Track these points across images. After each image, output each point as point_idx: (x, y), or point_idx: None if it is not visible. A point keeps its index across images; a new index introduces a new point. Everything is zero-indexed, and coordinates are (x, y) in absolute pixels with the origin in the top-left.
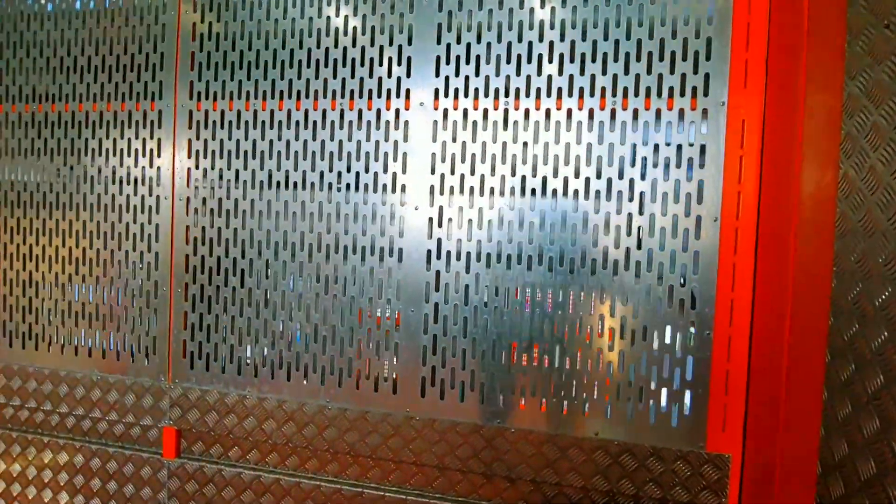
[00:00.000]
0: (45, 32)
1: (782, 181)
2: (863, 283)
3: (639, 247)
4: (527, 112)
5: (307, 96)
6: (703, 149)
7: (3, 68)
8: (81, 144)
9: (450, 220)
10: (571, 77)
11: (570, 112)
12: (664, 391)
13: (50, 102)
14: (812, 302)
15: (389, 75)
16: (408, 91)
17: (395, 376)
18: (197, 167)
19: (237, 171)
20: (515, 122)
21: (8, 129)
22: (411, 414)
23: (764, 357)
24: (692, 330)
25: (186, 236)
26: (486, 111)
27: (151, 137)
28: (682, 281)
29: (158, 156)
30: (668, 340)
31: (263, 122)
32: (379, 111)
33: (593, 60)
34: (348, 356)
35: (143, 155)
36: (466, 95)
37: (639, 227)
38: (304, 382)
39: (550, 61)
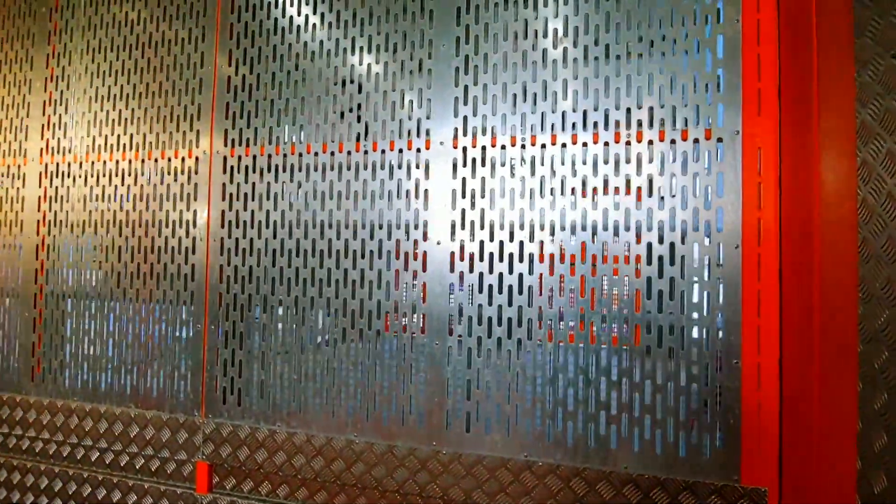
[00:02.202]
0: (94, 89)
1: (802, 207)
2: (890, 309)
3: (660, 275)
4: (543, 147)
5: (333, 140)
6: (720, 177)
7: (56, 123)
8: (124, 191)
9: (471, 253)
10: (585, 112)
11: (585, 145)
12: (694, 423)
13: (97, 153)
14: (840, 329)
15: (410, 117)
16: (428, 131)
17: (420, 409)
18: (230, 209)
19: (268, 212)
20: (532, 158)
21: (58, 178)
22: (437, 448)
23: (795, 386)
24: (719, 359)
25: (220, 275)
26: (503, 148)
27: (189, 182)
28: (706, 309)
29: (195, 199)
30: (695, 370)
31: (292, 165)
32: (401, 151)
33: (606, 95)
34: (374, 390)
35: (182, 199)
36: (484, 133)
37: (659, 256)
38: (332, 417)
39: (565, 98)
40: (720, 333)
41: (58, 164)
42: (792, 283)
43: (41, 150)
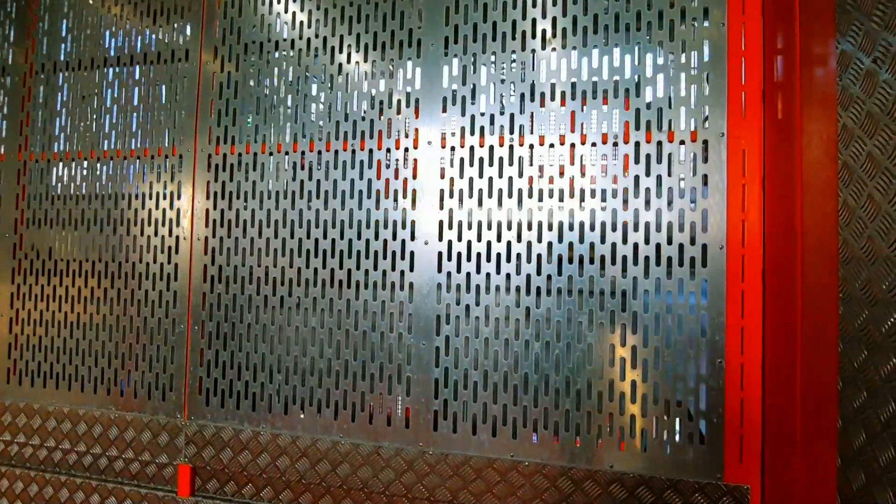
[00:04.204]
0: (76, 85)
1: (785, 209)
2: (869, 309)
3: (646, 276)
4: (531, 147)
5: (320, 138)
6: (705, 178)
7: (35, 119)
8: (106, 188)
9: (459, 253)
10: (573, 113)
11: (573, 147)
12: (678, 421)
13: (76, 149)
14: (821, 329)
15: (398, 116)
16: (416, 131)
17: (407, 410)
18: (215, 208)
19: (253, 211)
20: (521, 158)
21: (37, 175)
22: (424, 448)
23: (777, 386)
24: (703, 358)
25: (204, 275)
26: (491, 148)
27: (172, 181)
28: (690, 309)
29: (178, 198)
30: (679, 370)
31: (278, 163)
32: (389, 150)
33: (594, 97)
34: (361, 391)
35: (164, 198)
36: (473, 133)
37: (646, 257)
38: (318, 418)
39: (553, 98)
40: (704, 333)
41: (37, 161)
42: (775, 283)
43: (19, 146)
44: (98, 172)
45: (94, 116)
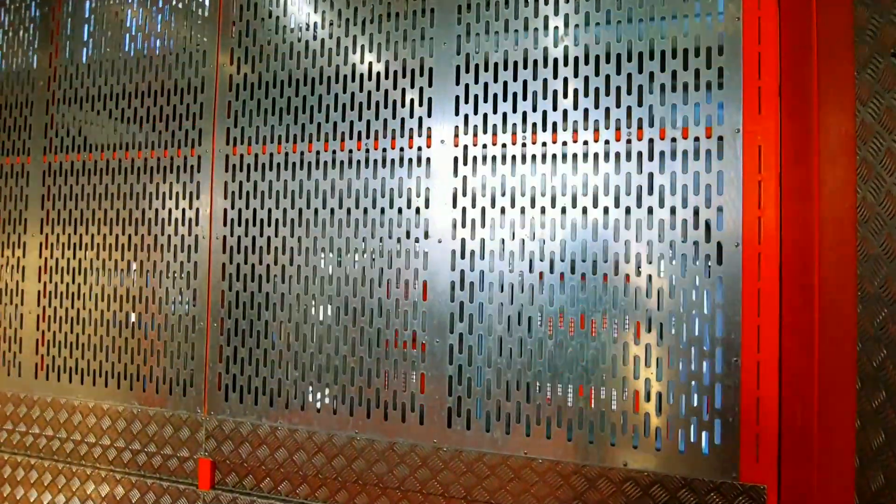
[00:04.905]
0: (97, 88)
1: (802, 206)
2: (888, 308)
3: (660, 274)
4: (544, 145)
5: (335, 138)
6: (720, 175)
7: (59, 121)
8: (127, 189)
9: (472, 252)
10: (586, 110)
11: (586, 144)
12: (693, 420)
13: (99, 151)
14: (839, 327)
15: (411, 115)
16: (429, 130)
17: (421, 407)
18: (233, 207)
19: (269, 210)
20: (533, 156)
21: (61, 176)
22: (438, 445)
23: (794, 384)
24: (719, 357)
25: (223, 273)
26: (504, 146)
27: (191, 181)
28: (706, 307)
29: (197, 198)
30: (694, 368)
31: (294, 163)
32: (402, 150)
33: (607, 94)
34: (376, 387)
35: (184, 198)
36: (485, 132)
37: (660, 255)
38: (334, 414)
39: (565, 96)
40: (720, 331)
41: (61, 163)
42: (792, 281)
43: (44, 148)
44: (120, 173)
45: (115, 118)
